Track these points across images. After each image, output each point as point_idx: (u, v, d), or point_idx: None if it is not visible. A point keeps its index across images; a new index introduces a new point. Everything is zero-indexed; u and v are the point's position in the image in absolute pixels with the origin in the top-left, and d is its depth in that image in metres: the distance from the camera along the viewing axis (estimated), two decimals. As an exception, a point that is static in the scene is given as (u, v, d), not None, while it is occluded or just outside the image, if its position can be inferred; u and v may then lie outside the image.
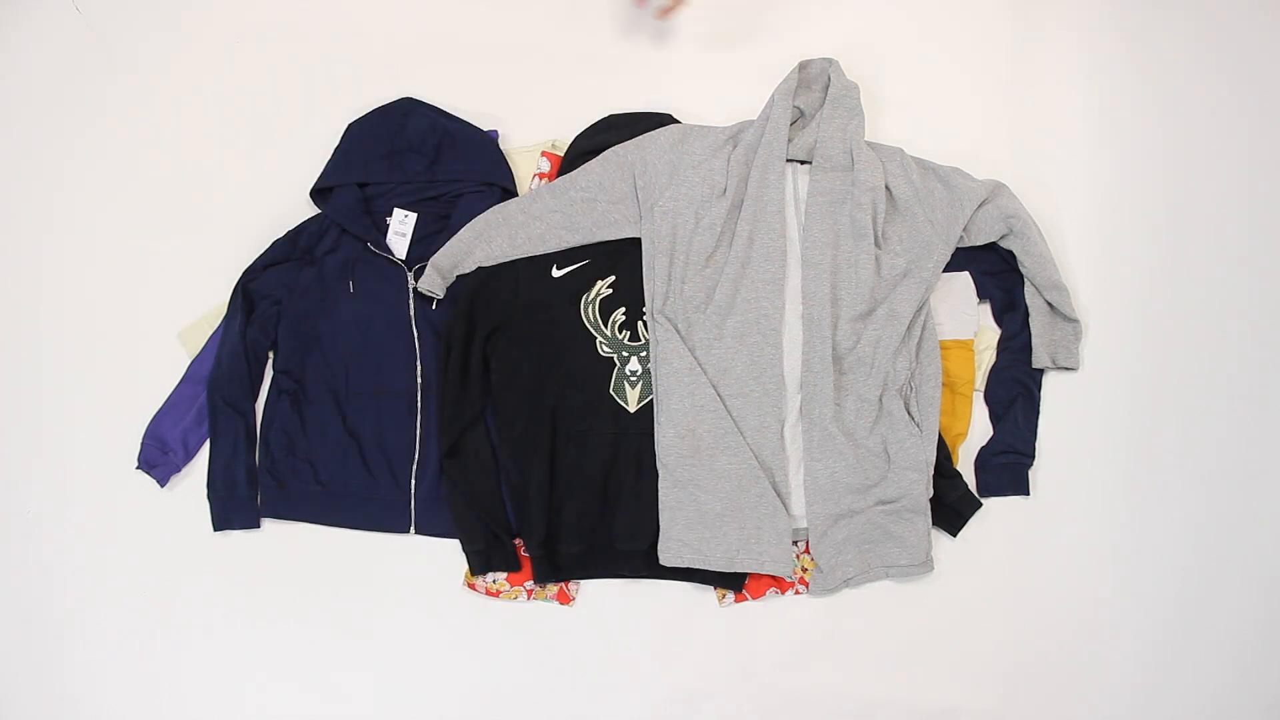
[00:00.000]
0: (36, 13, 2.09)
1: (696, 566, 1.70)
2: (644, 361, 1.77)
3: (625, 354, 1.77)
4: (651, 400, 1.76)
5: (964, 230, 1.79)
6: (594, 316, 1.79)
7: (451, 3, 2.08)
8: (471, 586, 1.77)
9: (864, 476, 1.71)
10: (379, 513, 1.79)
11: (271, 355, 1.86)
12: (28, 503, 1.84)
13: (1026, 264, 1.80)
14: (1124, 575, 1.78)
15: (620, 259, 1.81)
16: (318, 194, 1.89)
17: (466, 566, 1.77)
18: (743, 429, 1.72)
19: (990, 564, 1.78)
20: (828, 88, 1.82)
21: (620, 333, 1.78)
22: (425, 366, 1.82)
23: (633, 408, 1.75)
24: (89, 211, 1.98)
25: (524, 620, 1.76)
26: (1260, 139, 1.98)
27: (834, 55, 2.00)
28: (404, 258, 1.86)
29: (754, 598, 1.75)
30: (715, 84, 2.01)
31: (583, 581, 1.77)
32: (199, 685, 1.76)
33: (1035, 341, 1.80)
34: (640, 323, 1.79)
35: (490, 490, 1.75)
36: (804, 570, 1.76)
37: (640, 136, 1.82)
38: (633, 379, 1.76)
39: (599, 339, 1.78)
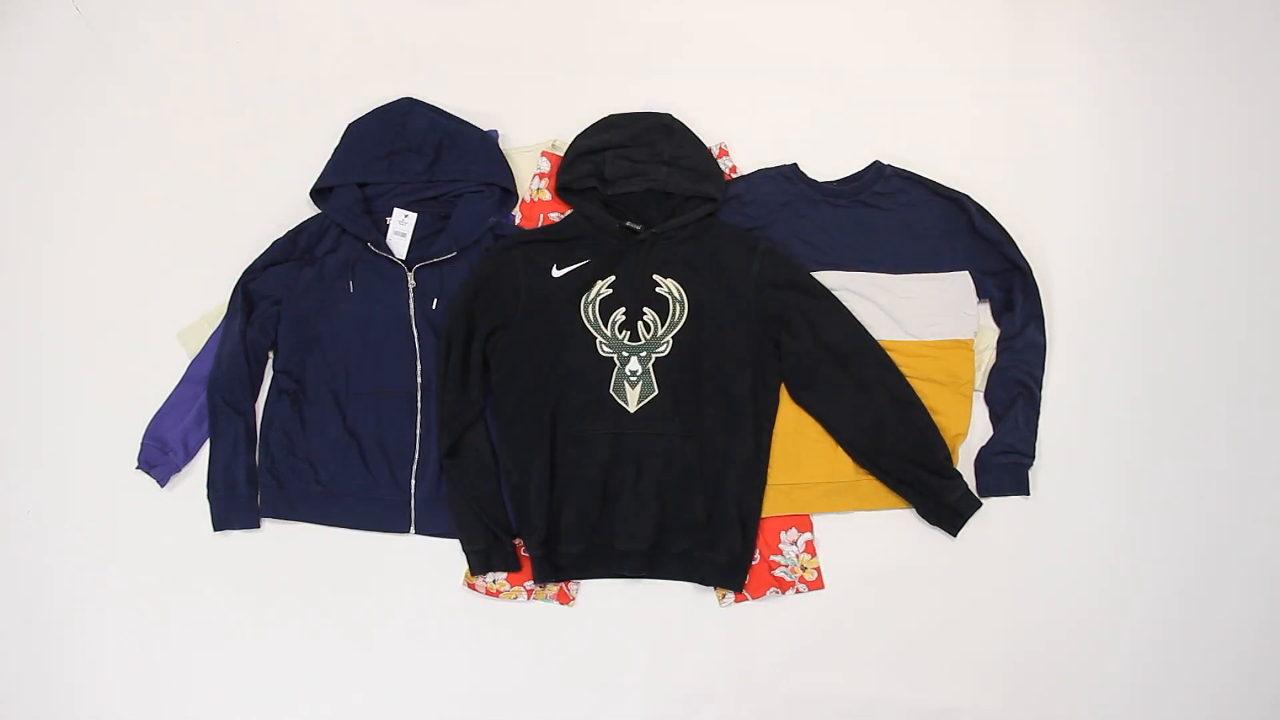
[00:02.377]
0: (36, 13, 2.09)
1: None
2: (644, 361, 1.77)
3: (625, 354, 1.77)
4: (652, 400, 1.76)
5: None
6: (594, 316, 1.79)
7: (451, 3, 2.08)
8: (471, 586, 1.77)
9: None
10: (379, 513, 1.79)
11: (271, 355, 1.86)
12: (28, 503, 1.84)
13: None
14: (1124, 575, 1.78)
15: (620, 259, 1.81)
16: (318, 194, 1.88)
17: (466, 566, 1.77)
18: None
19: (990, 564, 1.77)
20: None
21: (620, 333, 1.78)
22: (425, 366, 1.82)
23: (633, 408, 1.75)
24: (89, 212, 1.98)
25: (524, 620, 1.76)
26: (1261, 138, 1.98)
27: (832, 56, 2.01)
28: (404, 258, 1.86)
29: (754, 598, 1.75)
30: (714, 84, 2.01)
31: (583, 581, 1.77)
32: (199, 685, 1.75)
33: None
34: (640, 323, 1.78)
35: (490, 490, 1.75)
36: (803, 570, 1.76)
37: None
38: (633, 379, 1.76)
39: (599, 339, 1.78)
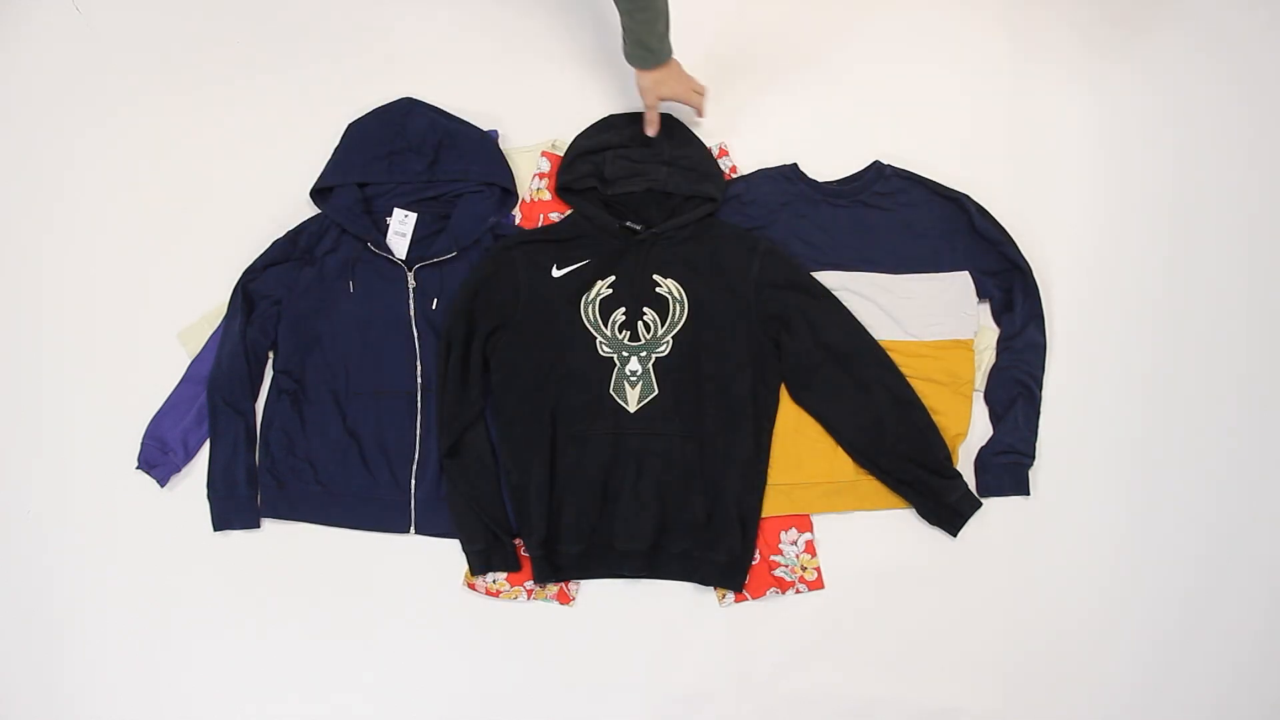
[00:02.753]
0: (36, 13, 2.09)
1: None
2: (644, 361, 1.77)
3: (625, 354, 1.77)
4: (652, 400, 1.75)
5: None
6: (594, 316, 1.79)
7: (452, 3, 2.08)
8: (471, 586, 1.77)
9: None
10: (379, 513, 1.79)
11: (271, 355, 1.86)
12: (28, 503, 1.84)
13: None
14: (1124, 575, 1.78)
15: (620, 259, 1.81)
16: (318, 194, 1.88)
17: (466, 566, 1.77)
18: None
19: (990, 564, 1.77)
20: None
21: (620, 333, 1.78)
22: (425, 366, 1.82)
23: (633, 408, 1.75)
24: (89, 212, 1.98)
25: (524, 620, 1.76)
26: (1261, 138, 1.98)
27: (832, 56, 2.00)
28: (404, 258, 1.86)
29: (754, 598, 1.75)
30: (714, 84, 2.01)
31: (583, 581, 1.77)
32: (199, 685, 1.76)
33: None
34: (640, 323, 1.78)
35: (490, 490, 1.75)
36: (803, 570, 1.76)
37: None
38: (633, 379, 1.76)
39: (599, 339, 1.78)
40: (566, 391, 1.76)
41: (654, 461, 1.74)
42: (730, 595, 1.75)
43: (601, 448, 1.74)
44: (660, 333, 1.78)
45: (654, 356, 1.77)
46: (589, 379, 1.77)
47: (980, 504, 1.77)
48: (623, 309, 1.79)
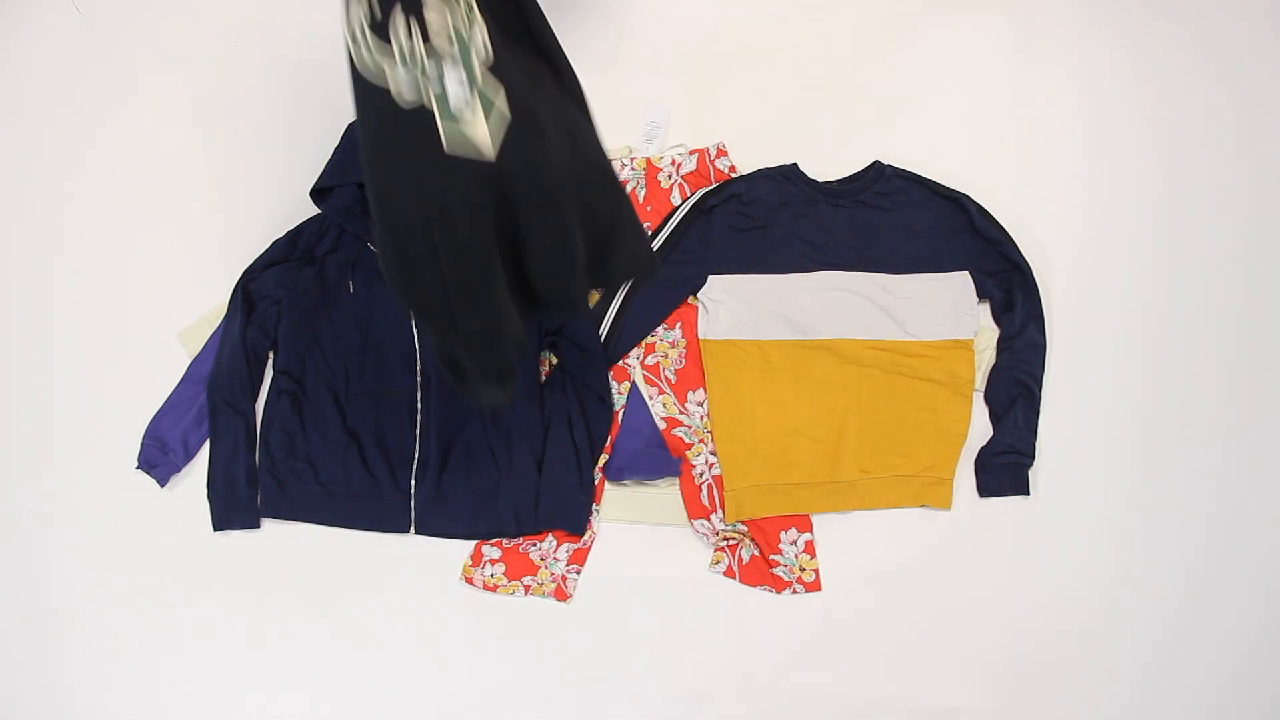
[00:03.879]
0: (36, 13, 2.09)
1: None
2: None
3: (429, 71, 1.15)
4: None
5: None
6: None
7: (451, 3, 2.08)
8: (469, 581, 1.77)
9: None
10: (379, 513, 1.79)
11: (271, 355, 1.86)
12: (28, 503, 1.84)
13: None
14: (1124, 575, 1.78)
15: None
16: (317, 194, 1.88)
17: (464, 562, 1.77)
18: None
19: (990, 564, 1.77)
20: None
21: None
22: (425, 366, 1.82)
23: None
24: (88, 211, 1.98)
25: (524, 620, 1.76)
26: (1260, 138, 1.98)
27: (832, 56, 2.00)
28: (404, 258, 1.86)
29: (747, 585, 1.76)
30: (714, 84, 2.01)
31: (581, 579, 1.77)
32: (199, 685, 1.76)
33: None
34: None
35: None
36: (802, 570, 1.76)
37: None
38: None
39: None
40: None
41: None
42: (723, 563, 1.76)
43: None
44: None
45: None
46: None
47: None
48: None
